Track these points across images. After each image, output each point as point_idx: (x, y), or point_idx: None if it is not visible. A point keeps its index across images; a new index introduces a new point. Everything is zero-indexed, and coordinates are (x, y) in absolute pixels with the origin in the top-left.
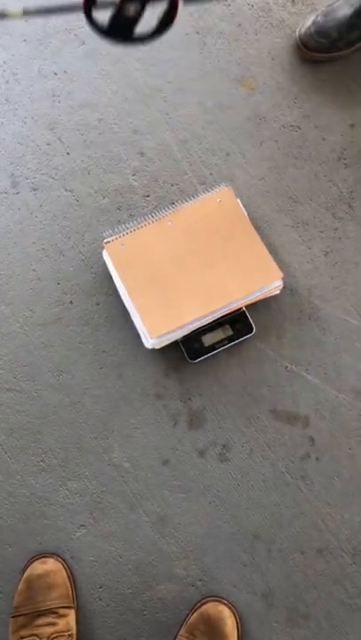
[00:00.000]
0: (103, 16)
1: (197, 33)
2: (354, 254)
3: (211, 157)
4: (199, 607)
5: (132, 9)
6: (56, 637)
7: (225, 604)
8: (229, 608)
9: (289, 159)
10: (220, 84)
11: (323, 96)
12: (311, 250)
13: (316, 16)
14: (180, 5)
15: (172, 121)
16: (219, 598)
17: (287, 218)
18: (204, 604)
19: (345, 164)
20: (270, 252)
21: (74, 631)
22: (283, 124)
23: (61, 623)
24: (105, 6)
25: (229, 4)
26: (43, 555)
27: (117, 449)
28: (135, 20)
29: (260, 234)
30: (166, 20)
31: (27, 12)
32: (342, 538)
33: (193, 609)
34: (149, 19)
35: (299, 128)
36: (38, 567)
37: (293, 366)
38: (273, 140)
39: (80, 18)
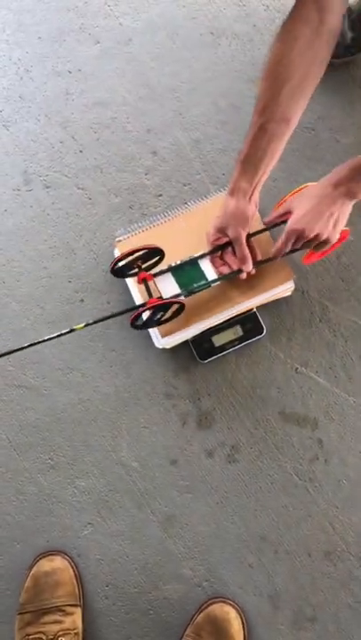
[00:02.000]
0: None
1: (212, 34)
2: None
3: (223, 157)
4: (205, 608)
5: (158, 315)
6: (62, 635)
7: (231, 605)
8: (236, 609)
9: (302, 161)
10: (234, 84)
11: (337, 99)
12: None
13: None
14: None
15: (186, 121)
16: (225, 599)
17: None
18: (211, 604)
19: None
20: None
21: (80, 629)
22: (296, 126)
23: (67, 621)
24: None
25: (244, 5)
26: (50, 552)
27: (126, 448)
28: (159, 321)
29: (272, 235)
30: (177, 314)
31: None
32: (350, 541)
33: (199, 609)
34: None
35: (313, 130)
36: (45, 564)
37: (303, 368)
38: (287, 143)
39: (94, 17)
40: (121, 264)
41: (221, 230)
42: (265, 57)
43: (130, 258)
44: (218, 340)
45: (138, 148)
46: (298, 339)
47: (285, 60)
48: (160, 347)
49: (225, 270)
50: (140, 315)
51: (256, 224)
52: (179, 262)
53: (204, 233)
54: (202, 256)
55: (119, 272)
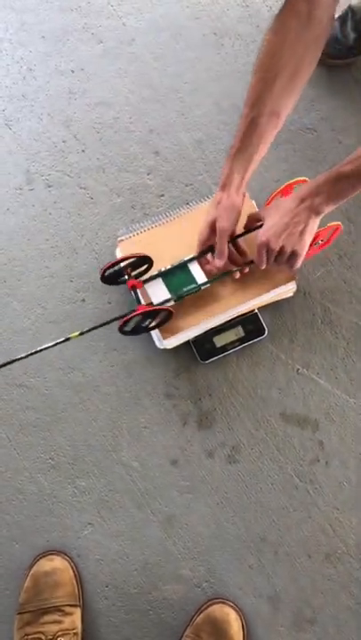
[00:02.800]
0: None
1: (215, 34)
2: None
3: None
4: (205, 609)
5: (146, 322)
6: (61, 635)
7: (231, 606)
8: (235, 610)
9: (304, 161)
10: (237, 85)
11: (339, 99)
12: (325, 253)
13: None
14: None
15: (188, 121)
16: (225, 600)
17: None
18: (210, 605)
19: None
20: None
21: (79, 630)
22: (299, 127)
23: (67, 621)
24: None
25: (248, 6)
26: (50, 552)
27: (126, 448)
28: (147, 328)
29: None
30: (165, 321)
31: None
32: (350, 543)
33: (199, 610)
34: None
35: (315, 131)
36: (45, 564)
37: (305, 369)
38: (289, 142)
39: (98, 16)
40: (110, 272)
41: (212, 225)
42: (258, 50)
43: (117, 266)
44: (219, 341)
45: (140, 147)
46: (299, 340)
47: (278, 54)
48: (161, 347)
49: (210, 269)
50: (128, 321)
51: (246, 200)
52: (169, 267)
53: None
54: (191, 259)
55: (109, 279)
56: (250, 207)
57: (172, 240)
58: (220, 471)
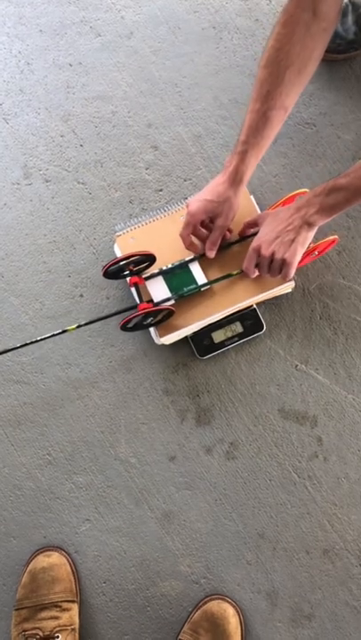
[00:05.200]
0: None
1: (214, 28)
2: None
3: (224, 153)
4: (203, 605)
5: (148, 320)
6: (59, 631)
7: (229, 602)
8: (233, 606)
9: (303, 156)
10: (236, 79)
11: (339, 94)
12: None
13: None
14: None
15: (187, 115)
16: (223, 596)
17: None
18: (208, 601)
19: None
20: None
21: (76, 625)
22: (298, 122)
23: (64, 617)
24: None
25: None
26: (47, 548)
27: (124, 444)
28: (149, 324)
29: None
30: (165, 319)
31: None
32: (348, 539)
33: (196, 606)
34: None
35: (314, 125)
36: (42, 560)
37: (303, 365)
38: (288, 137)
39: (96, 10)
40: (113, 268)
41: (207, 215)
42: (266, 43)
43: (122, 262)
44: (217, 337)
45: (138, 142)
46: (298, 336)
47: (286, 47)
48: (159, 343)
49: (194, 249)
50: (131, 319)
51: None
52: (170, 266)
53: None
54: (192, 260)
55: (111, 275)
56: (248, 202)
57: (169, 235)
58: (218, 467)
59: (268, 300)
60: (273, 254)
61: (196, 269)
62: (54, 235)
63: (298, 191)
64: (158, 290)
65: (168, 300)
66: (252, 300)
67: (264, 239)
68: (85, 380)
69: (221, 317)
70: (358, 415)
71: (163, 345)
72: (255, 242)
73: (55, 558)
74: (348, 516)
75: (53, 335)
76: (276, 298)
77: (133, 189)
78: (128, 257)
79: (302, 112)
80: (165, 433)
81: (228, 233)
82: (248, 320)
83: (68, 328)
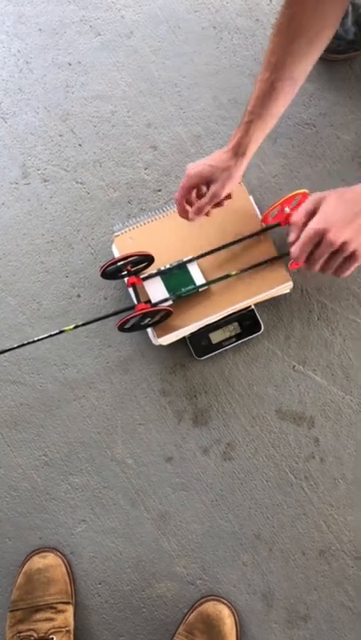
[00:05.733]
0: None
1: (214, 28)
2: None
3: None
4: (198, 606)
5: (145, 320)
6: (54, 633)
7: (224, 603)
8: (229, 608)
9: (303, 157)
10: (236, 79)
11: (338, 95)
12: None
13: None
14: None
15: (186, 115)
16: (218, 597)
17: None
18: (204, 602)
19: (360, 162)
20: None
21: (72, 627)
22: (297, 122)
23: (59, 619)
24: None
25: None
26: (42, 549)
27: (121, 444)
28: (146, 325)
29: (272, 232)
30: (163, 319)
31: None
32: (345, 540)
33: (192, 608)
34: None
35: (314, 126)
36: (38, 561)
37: (301, 366)
38: (287, 138)
39: (96, 9)
40: (111, 268)
41: (204, 179)
42: (276, 17)
43: (120, 263)
44: (215, 337)
45: (138, 142)
46: (296, 336)
47: (298, 16)
48: (157, 344)
49: (186, 216)
50: (128, 320)
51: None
52: (168, 266)
53: (201, 229)
54: (190, 260)
55: (109, 275)
56: (247, 203)
57: (168, 235)
58: (214, 468)
59: (266, 300)
60: (344, 244)
61: (194, 270)
62: (52, 234)
63: (297, 191)
64: (156, 290)
65: (166, 300)
66: (250, 301)
67: (334, 220)
68: (82, 381)
69: (219, 318)
70: (355, 416)
71: (160, 346)
72: (319, 222)
73: (50, 559)
74: (345, 517)
75: (50, 335)
76: (274, 298)
77: (132, 189)
78: (126, 257)
79: (302, 112)
80: (162, 434)
81: (225, 201)
82: (246, 321)
83: (66, 328)
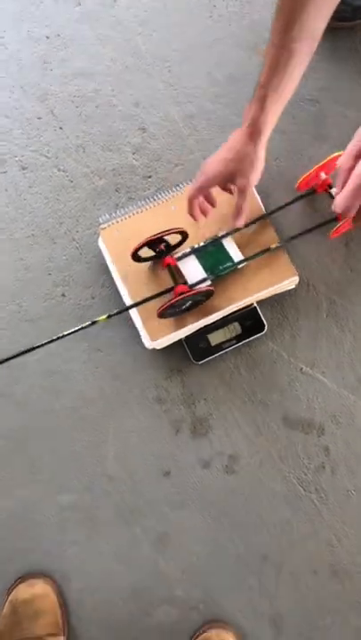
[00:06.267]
0: None
1: None
2: None
3: (220, 134)
4: (201, 634)
5: (187, 303)
6: None
7: (229, 630)
8: (234, 635)
9: (306, 137)
10: (232, 52)
11: (343, 68)
12: (330, 240)
13: None
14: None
15: (178, 93)
16: (223, 624)
17: (304, 203)
18: (207, 630)
19: None
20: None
21: None
22: (299, 98)
23: None
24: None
25: None
26: (30, 575)
27: (113, 459)
28: (188, 308)
29: (273, 221)
30: (204, 301)
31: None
32: (359, 558)
33: (195, 635)
34: None
35: (317, 102)
36: (25, 591)
37: (309, 368)
38: (289, 115)
39: None
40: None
41: (227, 177)
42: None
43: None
44: (214, 339)
45: (124, 124)
46: (302, 336)
47: None
48: (150, 347)
49: (196, 217)
50: (172, 305)
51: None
52: (202, 244)
53: (198, 217)
54: (225, 235)
55: (139, 257)
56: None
57: (160, 227)
58: (216, 483)
59: (269, 297)
60: None
61: (230, 246)
62: (32, 228)
63: (335, 154)
64: (192, 270)
65: (204, 280)
66: (252, 298)
67: None
68: (70, 390)
69: (219, 318)
70: None
71: (154, 349)
72: None
73: (39, 588)
74: (359, 532)
75: (75, 331)
76: (278, 295)
77: (119, 176)
78: (162, 235)
79: (304, 87)
80: (158, 446)
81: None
82: (248, 320)
83: (99, 319)
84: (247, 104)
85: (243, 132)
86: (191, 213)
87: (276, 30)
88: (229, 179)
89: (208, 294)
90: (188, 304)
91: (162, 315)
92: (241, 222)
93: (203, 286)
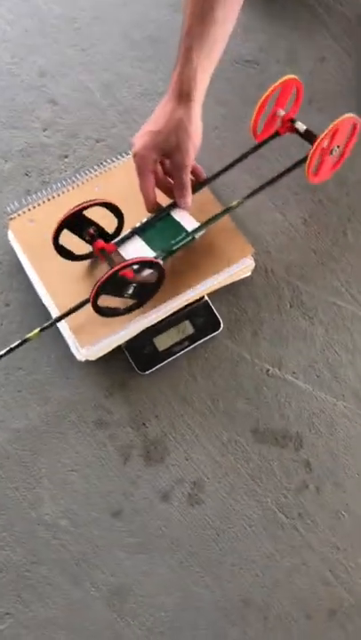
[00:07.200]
0: None
1: None
2: (340, 220)
3: (146, 103)
4: None
5: (129, 288)
6: None
7: None
8: None
9: (248, 103)
10: (152, 11)
11: (283, 24)
12: (286, 217)
13: None
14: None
15: (90, 59)
16: None
17: (252, 178)
18: None
19: (318, 108)
20: (234, 222)
21: None
22: (235, 59)
23: None
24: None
25: None
26: None
27: (49, 501)
28: (136, 305)
29: (218, 199)
30: (153, 288)
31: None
32: (359, 591)
33: None
34: None
35: (257, 64)
36: None
37: (277, 369)
38: (225, 79)
39: None
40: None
41: (159, 152)
42: None
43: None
44: (161, 343)
45: (30, 96)
46: (266, 332)
47: None
48: (82, 359)
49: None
50: (101, 288)
51: None
52: (144, 220)
53: (127, 198)
54: (172, 206)
55: (72, 253)
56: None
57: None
58: (180, 518)
59: (221, 288)
60: None
61: (180, 215)
62: None
63: (286, 77)
64: (137, 252)
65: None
66: (201, 289)
67: None
68: None
69: (164, 316)
70: (353, 426)
71: (88, 361)
72: None
73: None
74: (355, 561)
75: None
76: (232, 285)
77: (29, 157)
78: (82, 207)
79: (240, 47)
80: (104, 480)
81: (198, 167)
82: (199, 317)
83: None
84: (183, 11)
85: (169, 95)
86: (150, 210)
87: None
88: (162, 154)
89: (158, 273)
90: (131, 290)
91: (98, 309)
92: (188, 201)
93: (146, 256)
